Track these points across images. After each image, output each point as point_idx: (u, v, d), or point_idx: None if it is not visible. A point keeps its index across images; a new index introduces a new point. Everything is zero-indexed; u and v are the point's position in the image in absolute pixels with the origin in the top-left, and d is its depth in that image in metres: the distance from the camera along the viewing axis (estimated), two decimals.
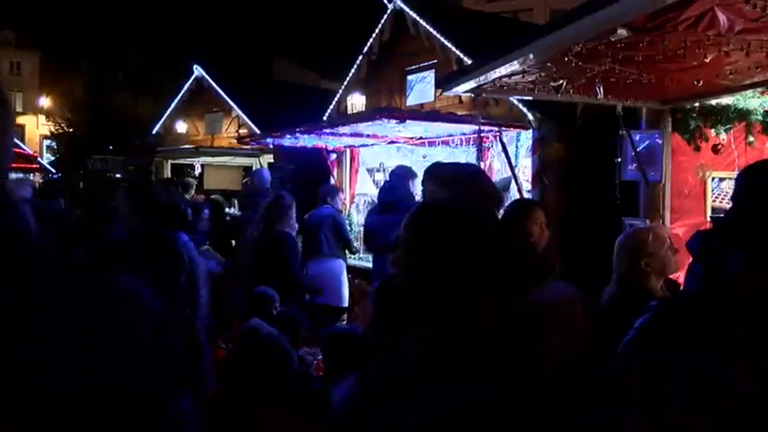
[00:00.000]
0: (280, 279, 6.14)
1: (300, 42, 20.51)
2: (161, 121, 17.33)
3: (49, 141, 39.11)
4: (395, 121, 6.49)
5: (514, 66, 4.18)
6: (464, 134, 8.46)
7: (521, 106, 7.48)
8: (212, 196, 11.79)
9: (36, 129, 47.43)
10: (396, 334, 2.03)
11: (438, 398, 1.55)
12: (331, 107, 11.10)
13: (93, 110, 29.96)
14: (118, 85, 31.31)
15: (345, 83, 10.60)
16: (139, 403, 1.01)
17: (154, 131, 17.39)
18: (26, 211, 1.10)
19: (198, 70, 15.89)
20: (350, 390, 2.55)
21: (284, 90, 15.22)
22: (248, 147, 13.05)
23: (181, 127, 16.63)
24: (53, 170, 26.86)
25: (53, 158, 33.44)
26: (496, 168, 11.76)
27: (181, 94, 16.70)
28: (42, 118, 40.33)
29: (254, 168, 14.38)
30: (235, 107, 15.02)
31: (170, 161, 16.16)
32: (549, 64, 4.09)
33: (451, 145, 9.86)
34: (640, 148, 5.65)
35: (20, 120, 48.32)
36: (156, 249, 4.34)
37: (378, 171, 11.29)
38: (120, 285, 1.08)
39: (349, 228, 9.79)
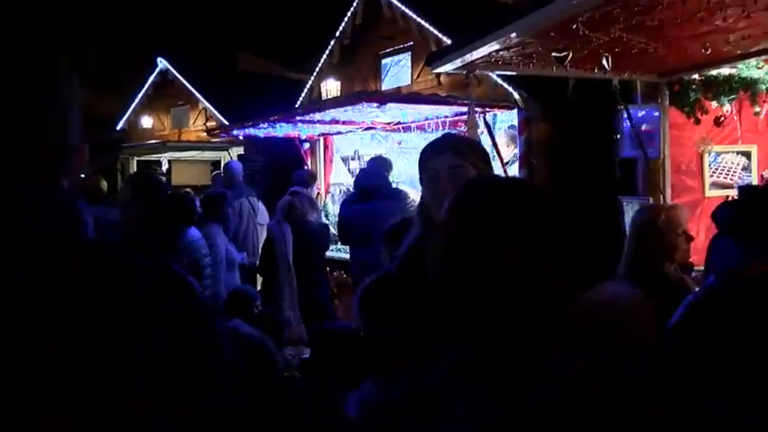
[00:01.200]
0: None
1: (264, 33, 19.98)
2: (125, 117, 16.76)
3: None
4: (376, 105, 6.15)
5: (512, 37, 3.88)
6: (439, 118, 8.17)
7: (506, 85, 7.19)
8: (183, 191, 11.50)
9: None
10: (426, 337, 1.74)
11: (486, 406, 1.38)
12: (303, 94, 10.72)
13: None
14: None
15: (317, 69, 10.21)
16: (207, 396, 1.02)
17: (118, 128, 16.82)
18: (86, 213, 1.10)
19: (162, 62, 15.38)
20: (371, 398, 2.29)
21: (251, 81, 14.75)
22: (218, 140, 12.68)
23: (146, 122, 16.11)
24: None
25: None
26: None
27: (145, 88, 16.14)
28: None
29: (222, 162, 14.06)
30: (202, 99, 14.56)
31: (136, 158, 15.67)
32: (552, 33, 3.79)
33: (427, 130, 9.60)
34: (638, 123, 5.38)
35: None
36: (154, 243, 4.12)
37: (353, 159, 10.95)
38: (179, 275, 1.08)
39: (325, 218, 9.46)
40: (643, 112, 5.39)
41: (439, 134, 10.42)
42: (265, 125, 8.44)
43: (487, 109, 7.12)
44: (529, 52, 4.31)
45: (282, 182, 10.98)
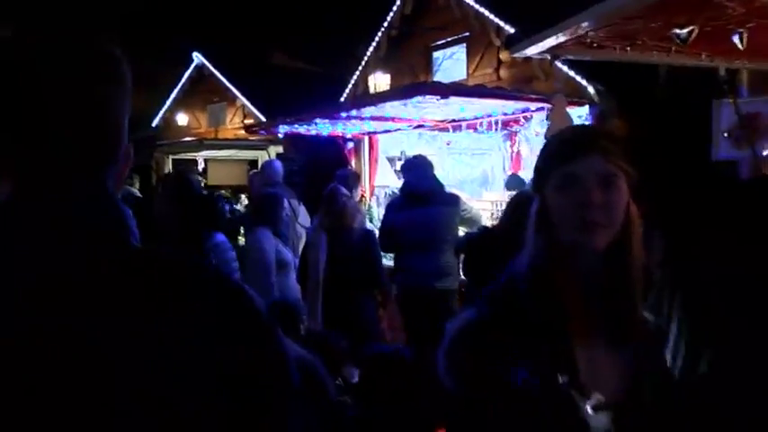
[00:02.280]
0: None
1: (303, 27, 19.34)
2: (160, 114, 16.24)
3: None
4: (437, 98, 5.45)
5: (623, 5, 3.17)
6: (506, 114, 7.45)
7: (578, 78, 6.45)
8: (216, 193, 11.02)
9: None
10: None
11: None
12: (348, 90, 10.03)
13: None
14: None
15: (363, 63, 9.53)
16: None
17: (153, 125, 16.33)
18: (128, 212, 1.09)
19: (198, 57, 14.83)
20: None
21: (289, 77, 14.14)
22: (256, 138, 12.11)
23: (182, 119, 15.57)
24: None
25: None
26: (524, 155, 10.85)
27: (181, 84, 15.61)
28: None
29: (259, 162, 13.48)
30: (239, 95, 13.98)
31: (171, 156, 15.17)
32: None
33: (479, 129, 8.89)
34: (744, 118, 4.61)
35: None
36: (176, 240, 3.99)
37: (399, 160, 10.26)
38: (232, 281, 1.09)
39: (369, 222, 8.77)
40: (756, 105, 4.61)
41: (493, 135, 9.80)
42: (309, 121, 7.77)
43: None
44: (631, 29, 3.58)
45: (323, 183, 10.38)
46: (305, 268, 6.46)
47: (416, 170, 6.59)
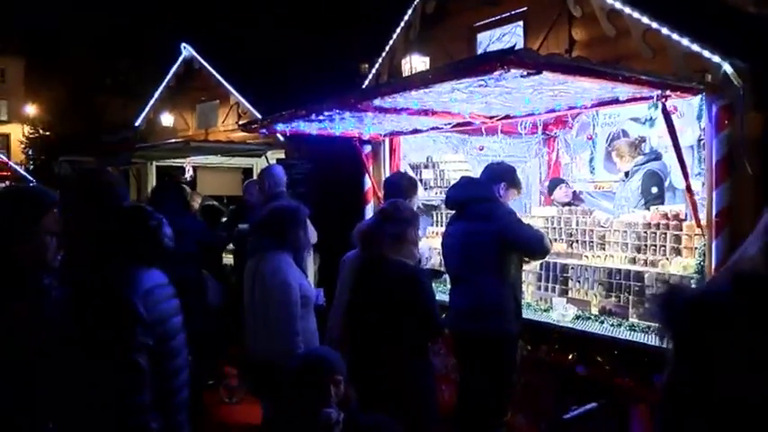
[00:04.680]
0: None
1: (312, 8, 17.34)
2: (143, 114, 14.43)
3: (23, 147, 35.83)
4: (523, 73, 3.71)
5: None
6: (553, 110, 5.79)
7: (706, 55, 4.72)
8: (207, 203, 9.45)
9: (22, 137, 44.78)
10: None
11: None
12: (369, 77, 8.24)
13: (71, 110, 27.45)
14: (106, 91, 29.49)
15: (389, 46, 7.79)
16: None
17: (136, 126, 14.51)
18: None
19: (187, 50, 13.07)
20: None
21: (295, 69, 12.45)
22: (254, 142, 10.45)
23: (167, 119, 13.78)
24: (30, 177, 24.54)
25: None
26: (564, 162, 9.41)
27: (167, 79, 13.82)
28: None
29: (255, 169, 11.96)
30: (233, 91, 12.21)
31: (155, 163, 13.43)
32: None
33: (518, 133, 7.57)
34: None
35: (5, 129, 48.30)
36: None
37: (426, 168, 8.58)
38: None
39: None
40: None
41: (524, 139, 8.12)
42: (324, 113, 6.02)
43: (675, 92, 4.61)
44: None
45: (334, 195, 8.70)
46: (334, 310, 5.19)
47: (484, 173, 5.27)
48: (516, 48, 3.67)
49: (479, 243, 5.05)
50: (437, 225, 7.87)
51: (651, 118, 8.31)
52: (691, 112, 7.03)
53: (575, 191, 8.41)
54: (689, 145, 7.91)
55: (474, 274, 5.08)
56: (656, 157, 7.58)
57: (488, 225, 5.03)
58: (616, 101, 5.28)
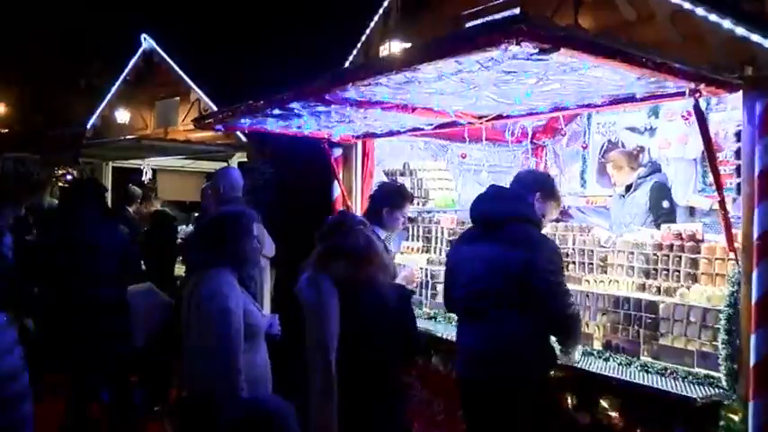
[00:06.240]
0: None
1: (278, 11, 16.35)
2: (99, 110, 13.47)
3: None
4: (533, 50, 2.84)
5: None
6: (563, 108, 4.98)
7: (756, 39, 3.89)
8: (159, 208, 8.66)
9: None
10: None
11: None
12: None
13: (36, 109, 26.53)
14: (76, 92, 28.64)
15: (365, 35, 6.93)
16: None
17: (89, 124, 13.53)
18: None
19: (147, 41, 12.13)
20: None
21: (266, 63, 11.60)
22: (214, 142, 9.59)
23: (122, 116, 12.83)
24: None
25: None
26: (553, 174, 8.77)
27: (125, 73, 12.88)
28: None
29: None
30: (194, 87, 11.34)
31: (110, 163, 12.49)
32: None
33: (504, 141, 7.18)
34: None
35: None
36: None
37: (402, 175, 7.75)
38: None
39: None
40: None
41: (522, 148, 7.28)
42: (286, 109, 5.15)
43: (710, 87, 3.77)
44: None
45: (299, 203, 7.95)
46: (295, 339, 4.00)
47: (515, 183, 4.27)
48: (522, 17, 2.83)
49: (508, 274, 3.93)
50: (415, 240, 7.01)
51: (651, 127, 7.68)
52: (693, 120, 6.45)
53: (562, 207, 7.68)
54: (692, 158, 7.24)
55: (496, 308, 4.00)
56: (657, 169, 7.00)
57: (521, 253, 3.91)
58: (632, 99, 4.46)
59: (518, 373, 3.95)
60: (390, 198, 5.36)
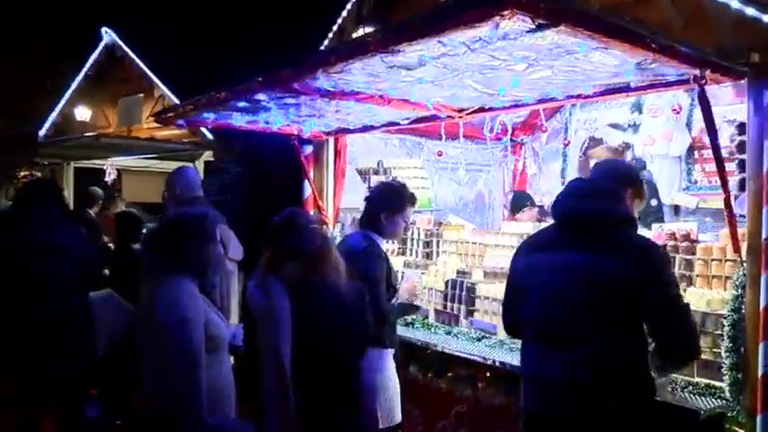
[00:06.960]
0: None
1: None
2: (58, 108, 12.98)
3: None
4: (532, 25, 2.47)
5: None
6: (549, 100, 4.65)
7: (766, 19, 3.58)
8: (123, 210, 8.27)
9: None
10: None
11: None
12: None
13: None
14: (45, 93, 28.05)
15: (337, 24, 6.58)
16: None
17: (48, 122, 13.04)
18: None
19: (108, 34, 11.68)
20: None
21: (237, 58, 11.23)
22: (179, 140, 9.19)
23: (83, 113, 12.37)
24: None
25: None
26: (531, 173, 8.75)
27: (86, 69, 12.42)
28: None
29: None
30: (158, 83, 10.92)
31: (72, 164, 12.02)
32: None
33: (482, 138, 6.96)
34: None
35: None
36: None
37: (376, 174, 7.38)
38: None
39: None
40: None
41: (500, 145, 6.88)
42: (252, 102, 4.78)
43: (716, 74, 3.44)
44: None
45: (268, 203, 7.54)
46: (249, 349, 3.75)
47: (598, 174, 3.51)
48: None
49: (607, 288, 3.06)
50: (390, 242, 6.64)
51: (634, 123, 7.45)
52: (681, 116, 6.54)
53: (542, 206, 7.42)
54: (677, 155, 7.00)
55: (588, 330, 3.11)
56: (643, 166, 6.77)
57: (625, 262, 3.05)
58: (626, 88, 4.14)
59: (620, 405, 3.12)
60: (390, 200, 4.66)
